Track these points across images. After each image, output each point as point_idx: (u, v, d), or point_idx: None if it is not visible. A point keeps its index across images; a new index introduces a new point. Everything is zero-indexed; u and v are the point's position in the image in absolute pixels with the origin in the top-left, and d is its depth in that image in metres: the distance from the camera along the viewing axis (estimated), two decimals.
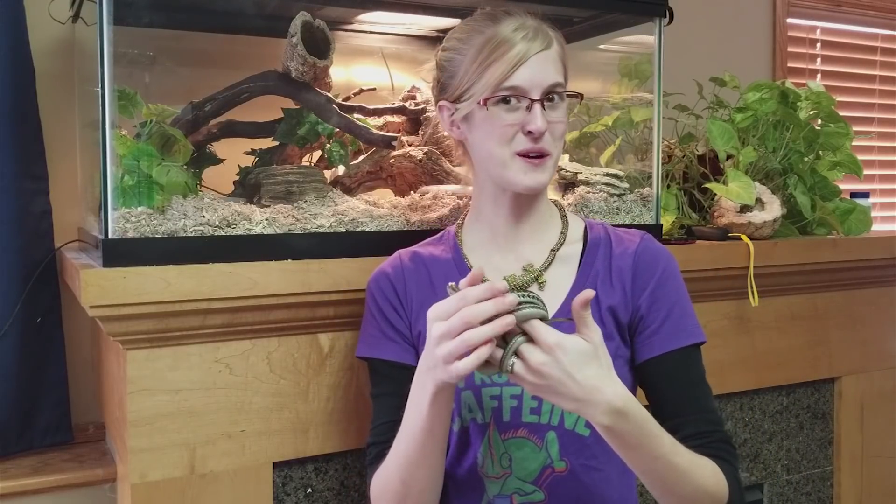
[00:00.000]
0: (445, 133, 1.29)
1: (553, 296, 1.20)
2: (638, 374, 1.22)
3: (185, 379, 1.29)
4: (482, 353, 0.93)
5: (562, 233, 1.26)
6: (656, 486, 1.06)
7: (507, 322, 0.93)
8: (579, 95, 1.23)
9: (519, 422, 1.17)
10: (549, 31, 1.19)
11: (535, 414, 1.17)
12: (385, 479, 1.13)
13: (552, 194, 1.65)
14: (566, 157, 1.75)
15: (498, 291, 0.93)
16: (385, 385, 1.23)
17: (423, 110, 1.70)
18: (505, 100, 1.16)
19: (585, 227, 1.28)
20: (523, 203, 1.23)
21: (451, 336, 0.94)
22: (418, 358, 1.20)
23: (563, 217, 1.29)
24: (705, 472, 1.08)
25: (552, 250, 1.24)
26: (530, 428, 1.18)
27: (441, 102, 1.24)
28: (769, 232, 1.82)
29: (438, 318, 0.96)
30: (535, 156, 1.17)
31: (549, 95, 1.16)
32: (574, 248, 1.26)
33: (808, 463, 1.98)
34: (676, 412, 1.17)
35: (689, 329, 1.21)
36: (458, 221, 1.31)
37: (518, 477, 1.19)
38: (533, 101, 1.15)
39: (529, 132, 1.15)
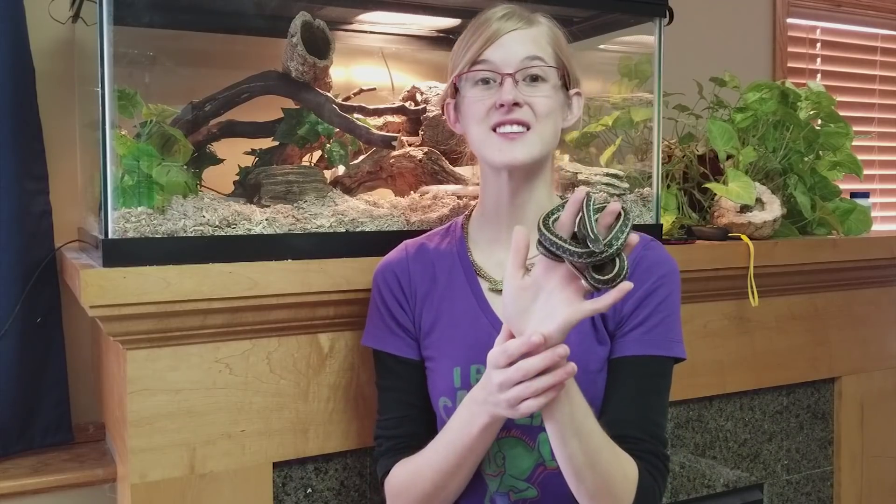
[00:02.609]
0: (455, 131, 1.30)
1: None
2: None
3: (186, 379, 1.28)
4: (550, 396, 0.97)
5: None
6: (575, 457, 1.05)
7: (568, 370, 0.97)
8: (559, 68, 1.20)
9: (512, 423, 1.18)
10: (536, 17, 1.21)
11: (528, 416, 1.16)
12: (414, 479, 1.17)
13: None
14: (566, 157, 1.75)
15: (538, 346, 0.95)
16: (390, 379, 1.27)
17: (423, 110, 1.70)
18: (483, 80, 1.18)
19: None
20: (521, 188, 1.22)
21: (510, 384, 0.97)
22: (420, 351, 1.24)
23: None
24: (622, 464, 1.09)
25: None
26: (523, 429, 1.19)
27: (447, 100, 1.26)
28: (769, 232, 1.82)
29: (496, 366, 0.99)
30: (513, 131, 1.17)
31: (528, 71, 1.17)
32: None
33: (809, 463, 1.98)
34: (618, 413, 1.15)
35: (662, 342, 1.19)
36: (467, 213, 1.32)
37: (511, 475, 1.20)
38: (503, 75, 1.16)
39: (501, 105, 1.16)
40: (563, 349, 0.96)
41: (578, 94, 1.25)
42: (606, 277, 0.94)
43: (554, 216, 0.98)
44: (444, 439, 1.14)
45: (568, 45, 1.24)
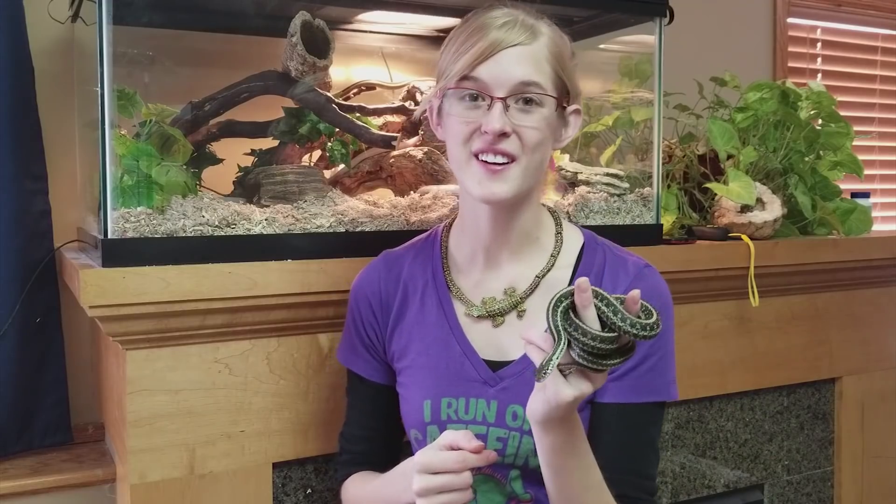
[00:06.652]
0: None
1: (532, 327, 1.02)
2: None
3: (185, 379, 1.28)
4: None
5: (552, 255, 1.14)
6: None
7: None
8: (558, 100, 1.08)
9: None
10: (540, 26, 1.08)
11: (500, 455, 1.11)
12: None
13: (552, 195, 1.65)
14: (566, 157, 1.75)
15: (463, 460, 0.96)
16: (354, 395, 1.28)
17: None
18: (471, 96, 1.06)
19: (583, 248, 1.16)
20: (501, 215, 1.11)
21: (431, 493, 0.97)
22: (388, 373, 1.22)
23: (559, 234, 1.16)
24: None
25: (537, 276, 1.13)
26: (493, 467, 1.12)
27: (432, 101, 1.14)
28: (770, 232, 1.82)
29: (425, 471, 0.98)
30: (496, 162, 1.05)
31: (521, 96, 1.05)
32: (564, 273, 1.13)
33: (809, 463, 1.97)
34: (608, 467, 1.02)
35: (655, 386, 1.10)
36: (447, 223, 1.23)
37: None
38: (493, 98, 1.04)
39: (485, 132, 1.04)
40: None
41: (578, 111, 1.13)
42: (625, 351, 0.91)
43: (563, 305, 0.90)
44: (380, 490, 1.14)
45: (571, 58, 1.11)
